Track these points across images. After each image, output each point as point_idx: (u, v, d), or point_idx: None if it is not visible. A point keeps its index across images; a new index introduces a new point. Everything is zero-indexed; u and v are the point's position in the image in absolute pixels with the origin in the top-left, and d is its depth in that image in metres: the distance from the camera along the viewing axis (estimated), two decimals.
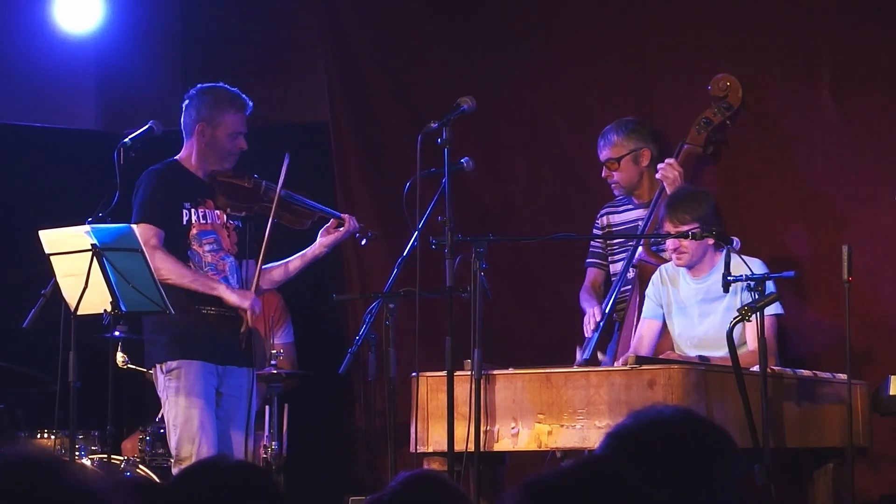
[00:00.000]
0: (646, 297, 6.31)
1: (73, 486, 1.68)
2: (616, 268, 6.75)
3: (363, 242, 6.43)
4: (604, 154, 6.72)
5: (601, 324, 6.42)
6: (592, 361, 6.31)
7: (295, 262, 6.35)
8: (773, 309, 5.98)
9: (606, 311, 6.46)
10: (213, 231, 6.18)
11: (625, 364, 5.67)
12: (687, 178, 6.55)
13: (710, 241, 6.06)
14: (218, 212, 6.20)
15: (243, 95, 6.22)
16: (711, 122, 6.68)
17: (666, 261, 6.39)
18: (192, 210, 6.15)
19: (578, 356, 6.37)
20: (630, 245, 6.66)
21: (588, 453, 5.97)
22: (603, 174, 6.74)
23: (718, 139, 6.75)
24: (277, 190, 6.16)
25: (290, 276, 6.38)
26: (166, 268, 5.98)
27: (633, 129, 6.73)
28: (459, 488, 2.99)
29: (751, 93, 6.85)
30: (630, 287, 6.53)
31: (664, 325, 6.29)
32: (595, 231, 6.83)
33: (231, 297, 6.08)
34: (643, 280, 6.46)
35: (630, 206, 6.81)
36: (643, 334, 6.30)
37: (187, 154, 6.24)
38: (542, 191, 7.06)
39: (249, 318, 6.07)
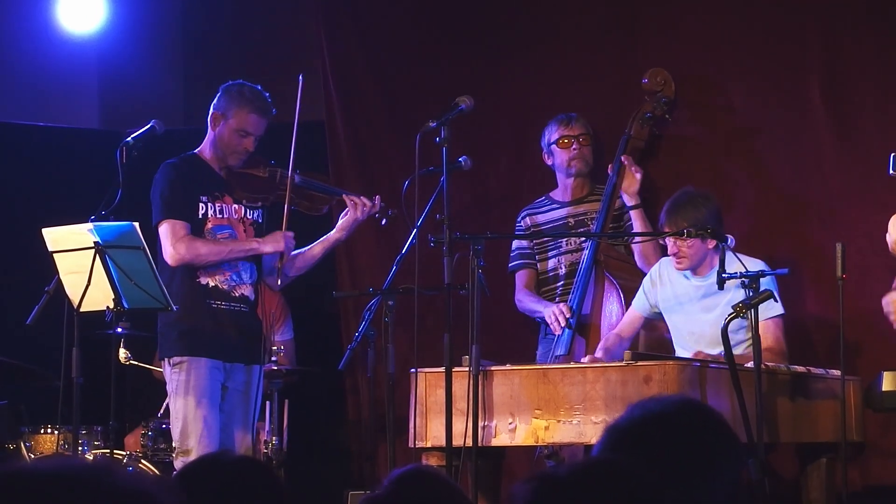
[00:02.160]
0: (639, 289, 6.38)
1: (128, 487, 1.67)
2: (546, 265, 6.84)
3: (383, 222, 6.44)
4: (575, 129, 6.79)
5: (572, 320, 6.48)
6: (571, 357, 6.41)
7: (316, 248, 6.38)
8: (774, 310, 6.06)
9: (574, 307, 6.52)
10: (228, 226, 6.22)
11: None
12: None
13: (711, 245, 6.10)
14: (235, 206, 6.24)
15: (269, 102, 6.23)
16: (654, 115, 6.77)
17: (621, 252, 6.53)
18: (209, 204, 6.19)
19: (555, 351, 6.47)
20: (560, 242, 6.77)
21: (556, 450, 6.06)
22: (572, 149, 6.78)
23: (658, 133, 6.84)
24: (290, 172, 6.20)
25: (313, 263, 6.39)
26: (203, 251, 6.06)
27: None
28: (454, 482, 3.01)
29: (740, 92, 6.91)
30: (580, 279, 6.58)
31: (646, 320, 6.36)
32: (518, 232, 6.91)
33: (266, 249, 6.18)
34: (612, 270, 6.53)
35: (554, 206, 6.90)
36: (626, 322, 6.36)
37: (204, 147, 6.29)
38: (528, 188, 7.12)
39: (287, 253, 6.19)
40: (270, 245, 6.18)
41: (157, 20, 8.39)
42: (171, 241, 6.05)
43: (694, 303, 6.19)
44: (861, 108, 6.68)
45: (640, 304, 6.35)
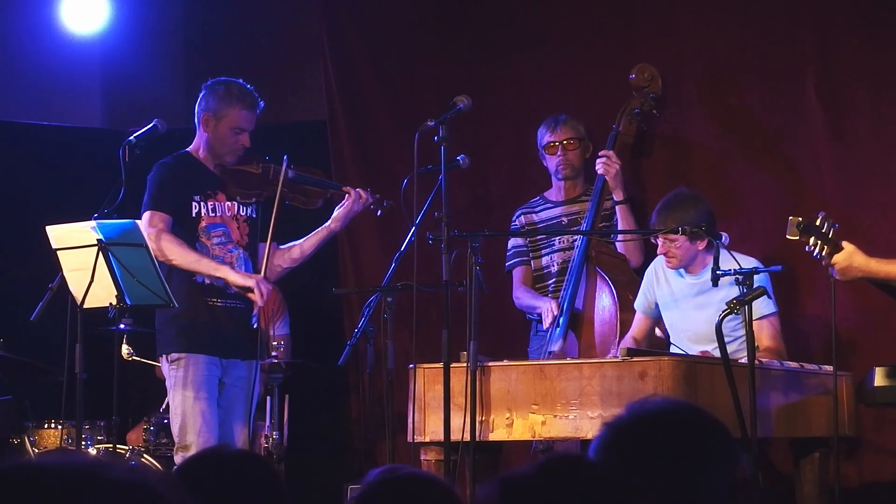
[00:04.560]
0: (639, 292, 6.46)
1: (127, 482, 1.64)
2: (539, 263, 6.91)
3: (378, 213, 6.50)
4: (560, 134, 6.85)
5: (563, 316, 6.55)
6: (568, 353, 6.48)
7: (311, 239, 6.42)
8: (769, 308, 6.13)
9: (565, 304, 6.58)
10: (222, 224, 6.26)
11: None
12: (623, 169, 6.71)
13: (701, 246, 6.16)
14: (228, 203, 6.27)
15: (255, 94, 6.27)
16: (642, 111, 6.82)
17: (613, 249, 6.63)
18: (202, 203, 6.23)
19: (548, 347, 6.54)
20: (553, 240, 6.84)
21: (551, 445, 6.11)
22: (557, 154, 6.85)
23: (646, 129, 6.90)
24: (280, 182, 6.25)
25: (308, 254, 6.43)
26: (173, 251, 6.07)
27: (580, 122, 6.91)
28: (429, 474, 3.03)
29: (736, 91, 6.97)
30: (571, 275, 6.65)
31: (654, 321, 6.43)
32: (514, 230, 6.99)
33: (236, 279, 6.14)
34: (603, 266, 6.59)
35: (548, 206, 6.97)
36: (635, 328, 6.44)
37: (196, 145, 6.32)
38: (528, 188, 7.19)
39: (257, 296, 6.11)
40: (241, 278, 6.12)
41: (160, 20, 8.43)
42: (146, 231, 6.02)
43: (688, 300, 6.25)
44: (855, 107, 6.71)
45: (641, 305, 6.43)
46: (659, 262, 6.41)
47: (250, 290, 6.12)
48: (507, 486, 2.11)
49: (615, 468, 2.41)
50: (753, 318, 6.21)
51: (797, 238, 5.47)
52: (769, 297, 5.89)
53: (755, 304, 6.00)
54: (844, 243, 5.47)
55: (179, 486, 1.74)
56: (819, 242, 5.47)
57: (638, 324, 6.45)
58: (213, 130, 6.26)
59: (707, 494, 2.50)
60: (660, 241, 6.20)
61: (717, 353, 5.72)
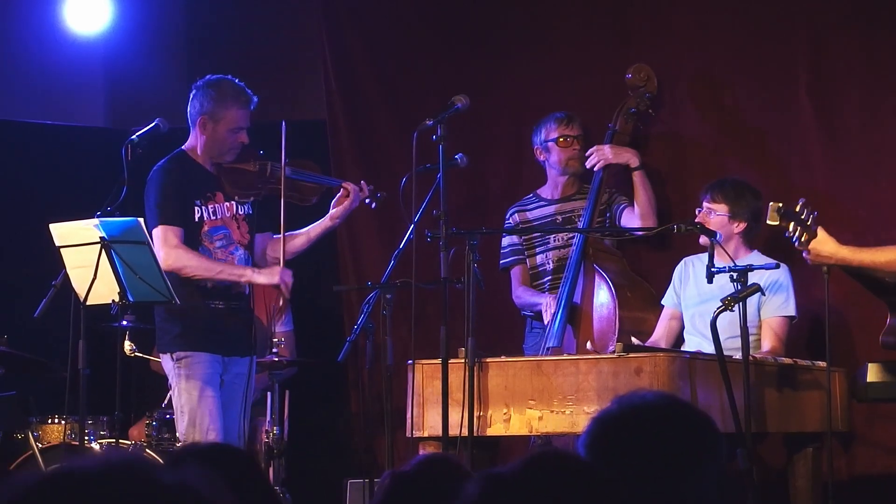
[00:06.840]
0: (669, 287, 6.56)
1: (169, 481, 1.63)
2: (534, 261, 6.96)
3: (373, 206, 6.53)
4: (575, 129, 6.90)
5: (561, 312, 6.61)
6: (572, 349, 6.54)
7: (309, 233, 6.44)
8: (788, 310, 6.23)
9: (563, 300, 6.63)
10: (223, 226, 6.28)
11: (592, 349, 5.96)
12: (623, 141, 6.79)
13: (738, 229, 6.25)
14: (227, 204, 6.29)
15: (248, 90, 6.28)
16: (638, 110, 6.88)
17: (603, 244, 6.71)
18: (203, 207, 6.24)
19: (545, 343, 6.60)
20: (548, 238, 6.89)
21: (549, 440, 6.16)
22: (571, 148, 6.89)
23: (642, 128, 6.96)
24: (282, 167, 6.27)
25: (303, 249, 6.46)
26: (192, 265, 6.12)
27: None
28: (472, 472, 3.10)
29: (729, 91, 7.03)
30: (570, 272, 6.70)
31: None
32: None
33: (260, 279, 6.23)
34: (600, 262, 6.65)
35: (542, 203, 7.01)
36: (661, 329, 6.53)
37: (192, 145, 6.33)
38: (525, 186, 7.24)
39: (284, 289, 6.21)
40: (265, 277, 6.23)
41: (162, 21, 8.46)
42: (164, 248, 6.08)
43: (717, 300, 6.29)
44: (847, 106, 6.76)
45: (670, 300, 6.54)
46: (689, 261, 6.49)
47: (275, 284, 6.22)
48: (492, 484, 2.12)
49: (603, 463, 2.46)
50: (770, 314, 6.31)
51: (777, 223, 5.52)
52: (763, 292, 5.92)
53: (774, 300, 6.08)
54: (819, 229, 5.55)
55: (223, 485, 1.72)
56: (798, 228, 5.52)
57: (664, 322, 6.53)
58: (211, 133, 6.26)
59: (695, 488, 2.52)
60: (704, 207, 6.31)
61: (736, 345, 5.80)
